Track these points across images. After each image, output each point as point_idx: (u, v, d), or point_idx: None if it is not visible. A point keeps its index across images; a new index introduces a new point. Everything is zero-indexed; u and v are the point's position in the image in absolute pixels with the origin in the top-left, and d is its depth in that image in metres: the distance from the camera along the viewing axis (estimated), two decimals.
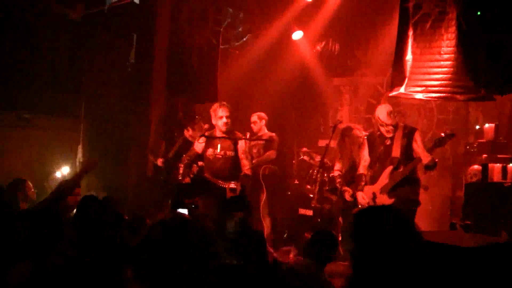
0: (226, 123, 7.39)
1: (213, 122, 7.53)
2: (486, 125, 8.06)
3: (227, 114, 7.40)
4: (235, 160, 7.43)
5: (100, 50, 9.86)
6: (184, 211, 5.88)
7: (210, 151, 7.47)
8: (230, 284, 3.42)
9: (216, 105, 7.55)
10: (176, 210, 5.84)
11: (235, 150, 7.46)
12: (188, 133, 8.04)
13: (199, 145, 7.51)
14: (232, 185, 7.27)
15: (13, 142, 9.39)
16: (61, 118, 9.67)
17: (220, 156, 7.42)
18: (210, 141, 7.51)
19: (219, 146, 7.45)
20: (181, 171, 7.65)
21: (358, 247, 2.50)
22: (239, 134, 7.59)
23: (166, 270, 2.88)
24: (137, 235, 4.10)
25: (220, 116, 7.40)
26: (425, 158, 6.35)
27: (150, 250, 2.81)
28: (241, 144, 7.51)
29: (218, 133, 7.49)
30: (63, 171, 8.63)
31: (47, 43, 9.49)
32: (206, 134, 7.47)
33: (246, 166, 7.41)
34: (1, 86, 9.08)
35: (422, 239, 2.67)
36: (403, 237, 2.49)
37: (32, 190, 7.03)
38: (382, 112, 6.73)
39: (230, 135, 7.50)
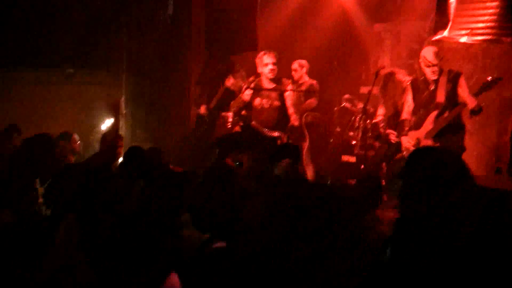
0: (272, 70, 7.35)
1: (259, 70, 7.49)
2: None
3: (273, 60, 7.36)
4: (282, 109, 7.42)
5: (139, 3, 9.87)
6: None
7: (257, 100, 7.46)
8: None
9: (261, 53, 7.50)
10: (224, 160, 5.90)
11: (282, 99, 7.45)
12: (229, 82, 8.02)
13: (246, 95, 7.51)
14: (276, 134, 7.31)
15: (59, 98, 9.60)
16: (104, 72, 9.80)
17: (268, 106, 7.43)
18: (257, 91, 7.51)
19: (266, 96, 7.45)
20: (230, 119, 7.69)
21: (410, 188, 2.45)
22: (286, 82, 7.57)
23: (216, 216, 2.96)
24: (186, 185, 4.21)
25: (265, 64, 7.36)
26: (471, 102, 6.26)
27: (201, 197, 2.89)
28: (289, 93, 7.49)
29: (265, 82, 7.46)
30: (107, 124, 8.77)
31: None
32: (252, 85, 7.45)
33: (293, 115, 7.41)
34: (45, 44, 9.23)
35: (476, 184, 2.61)
36: (458, 179, 2.42)
37: (78, 143, 7.19)
38: (428, 52, 6.62)
39: (277, 83, 7.46)
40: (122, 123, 8.86)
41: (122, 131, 8.65)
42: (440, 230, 2.34)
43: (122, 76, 9.27)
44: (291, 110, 7.43)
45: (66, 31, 9.39)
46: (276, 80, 7.48)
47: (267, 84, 7.47)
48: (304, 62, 8.90)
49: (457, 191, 2.37)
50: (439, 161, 2.44)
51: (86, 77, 9.68)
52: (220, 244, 2.81)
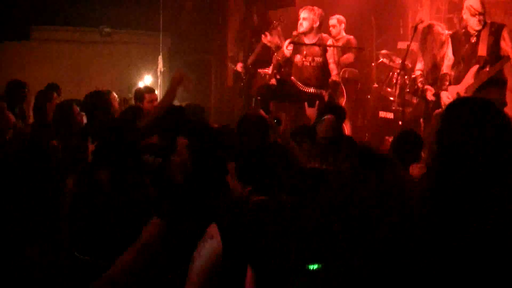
0: (301, 24, 7.37)
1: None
2: None
3: (305, 15, 7.36)
4: (324, 66, 7.38)
5: None
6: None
7: (298, 57, 7.45)
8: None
9: (301, 9, 7.52)
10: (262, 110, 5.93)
11: (323, 55, 7.41)
12: (266, 38, 7.98)
13: (287, 51, 7.49)
14: (312, 90, 7.29)
15: (97, 57, 9.70)
16: (141, 31, 9.85)
17: (308, 63, 7.41)
18: (298, 47, 7.47)
19: (307, 53, 7.43)
20: (269, 72, 7.71)
21: (448, 140, 2.35)
22: (325, 38, 7.54)
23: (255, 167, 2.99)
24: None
25: (300, 18, 7.39)
26: None
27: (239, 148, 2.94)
28: (330, 48, 7.46)
29: (305, 38, 7.43)
30: (146, 81, 8.84)
31: None
32: (292, 40, 7.43)
33: (334, 71, 7.39)
34: (82, 4, 9.28)
35: None
36: (501, 132, 2.32)
37: (117, 100, 7.26)
38: (475, 1, 6.48)
39: (318, 40, 7.43)
40: (160, 80, 8.90)
41: (161, 89, 8.69)
42: (483, 188, 2.22)
43: (159, 35, 9.28)
44: (332, 66, 7.40)
45: None
46: (316, 35, 7.43)
47: (307, 40, 7.43)
48: (342, 17, 8.84)
49: (500, 144, 2.26)
50: (481, 111, 2.32)
51: (123, 36, 9.74)
52: (259, 198, 2.85)
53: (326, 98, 7.17)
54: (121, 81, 9.33)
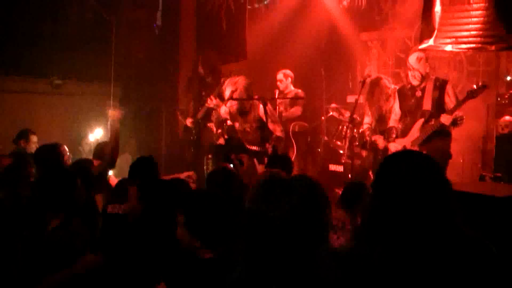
0: (238, 95, 7.37)
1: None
2: None
3: (241, 87, 7.39)
4: (263, 127, 7.41)
5: (127, 12, 9.90)
6: (230, 165, 5.99)
7: (237, 125, 7.51)
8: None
9: (230, 77, 7.59)
10: (226, 164, 5.95)
11: (260, 118, 7.41)
12: (212, 102, 7.93)
13: (223, 114, 7.58)
14: (256, 148, 7.31)
15: (48, 108, 9.57)
16: (92, 82, 9.81)
17: (249, 129, 7.45)
18: (233, 114, 7.55)
19: (244, 121, 7.48)
20: (214, 131, 7.73)
21: (382, 189, 2.44)
22: (257, 100, 7.52)
23: (212, 219, 2.95)
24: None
25: (234, 89, 7.40)
26: (446, 120, 6.29)
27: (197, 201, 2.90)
28: (261, 109, 7.40)
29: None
30: (96, 135, 8.76)
31: (75, 8, 9.56)
32: (228, 122, 7.52)
33: (275, 129, 7.42)
34: (33, 54, 9.22)
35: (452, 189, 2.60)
36: (434, 183, 2.40)
37: (68, 154, 7.15)
38: (412, 57, 6.76)
39: (249, 105, 7.46)
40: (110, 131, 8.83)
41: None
42: (411, 235, 2.33)
43: (110, 86, 9.26)
44: (271, 125, 7.42)
45: (54, 41, 9.39)
46: (247, 104, 7.49)
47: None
48: (289, 72, 8.94)
49: (430, 195, 2.35)
50: (414, 164, 2.43)
51: (73, 87, 9.67)
52: (208, 255, 2.81)
53: (269, 150, 7.19)
54: (71, 133, 9.23)
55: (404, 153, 2.72)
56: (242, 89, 7.39)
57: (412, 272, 2.32)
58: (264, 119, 7.28)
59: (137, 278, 3.00)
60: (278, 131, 7.45)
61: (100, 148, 6.16)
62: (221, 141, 7.54)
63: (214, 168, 5.41)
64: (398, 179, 2.40)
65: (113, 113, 6.09)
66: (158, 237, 3.16)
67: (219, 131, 7.56)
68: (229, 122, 7.57)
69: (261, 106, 7.37)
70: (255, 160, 6.83)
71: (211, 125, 8.20)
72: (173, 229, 2.97)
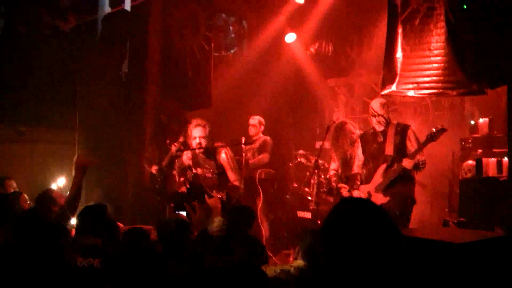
0: (199, 144, 7.40)
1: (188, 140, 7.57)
2: (480, 120, 8.00)
3: (202, 135, 7.41)
4: (223, 174, 7.39)
5: (92, 60, 9.85)
6: (183, 213, 5.92)
7: (199, 170, 7.47)
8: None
9: (192, 125, 7.52)
10: (178, 212, 5.88)
11: (221, 165, 7.44)
12: (175, 148, 7.91)
13: (185, 160, 7.56)
14: (219, 195, 7.24)
15: (11, 156, 9.40)
16: (57, 130, 9.68)
17: (210, 175, 7.40)
18: (195, 160, 7.52)
19: (204, 167, 7.46)
20: (176, 180, 7.64)
21: (327, 240, 2.41)
22: (218, 147, 7.54)
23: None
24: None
25: (194, 137, 7.42)
26: (407, 164, 6.29)
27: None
28: (223, 156, 7.44)
29: (199, 154, 7.52)
30: (59, 183, 8.61)
31: (39, 55, 9.50)
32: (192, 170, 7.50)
33: (232, 177, 7.37)
34: None
35: (401, 236, 2.56)
36: (378, 230, 2.39)
37: (28, 202, 7.01)
38: (376, 102, 6.79)
39: (210, 152, 7.49)
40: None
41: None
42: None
43: (75, 134, 9.16)
44: (229, 171, 7.42)
45: (18, 89, 9.30)
46: (208, 148, 7.52)
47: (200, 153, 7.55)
48: (262, 119, 8.96)
49: (374, 244, 2.32)
50: (357, 213, 2.40)
51: (38, 135, 9.54)
52: None
53: (224, 197, 7.12)
54: (35, 180, 9.06)
55: (351, 200, 2.70)
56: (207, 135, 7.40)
57: None
58: (225, 166, 7.27)
59: None
60: (234, 179, 7.38)
61: (43, 197, 6.00)
62: (183, 189, 7.45)
63: (165, 218, 5.33)
64: (341, 225, 2.38)
65: (79, 160, 5.97)
66: None
67: (181, 179, 7.48)
68: (193, 171, 7.51)
69: (223, 153, 7.36)
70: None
71: (175, 173, 8.12)
72: None
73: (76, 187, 5.95)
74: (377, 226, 2.38)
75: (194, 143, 7.40)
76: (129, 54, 10.40)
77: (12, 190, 7.08)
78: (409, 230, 5.16)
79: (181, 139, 7.69)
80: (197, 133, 7.39)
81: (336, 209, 2.52)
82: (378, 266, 2.31)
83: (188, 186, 7.37)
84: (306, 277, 2.57)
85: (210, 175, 7.36)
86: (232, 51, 10.80)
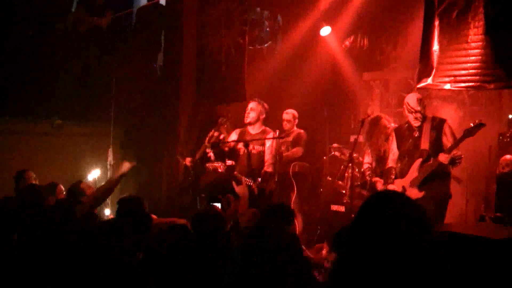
0: (247, 114, 7.71)
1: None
2: None
3: (252, 106, 7.75)
4: (263, 157, 7.48)
5: (128, 55, 9.96)
6: (218, 205, 5.92)
7: (240, 145, 7.68)
8: None
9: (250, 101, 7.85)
10: (212, 204, 5.89)
11: (264, 146, 7.65)
12: (213, 135, 8.01)
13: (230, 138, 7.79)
14: (248, 182, 7.28)
15: (48, 149, 9.55)
16: (93, 124, 9.82)
17: (253, 151, 7.55)
18: (242, 136, 7.70)
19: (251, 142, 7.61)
20: (218, 166, 7.71)
21: (359, 234, 2.37)
22: (268, 131, 7.73)
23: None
24: None
25: (246, 110, 7.73)
26: (443, 159, 6.20)
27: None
28: (269, 141, 7.58)
29: (251, 128, 7.69)
30: (94, 175, 8.72)
31: (76, 51, 9.64)
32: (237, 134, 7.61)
33: (268, 162, 7.46)
34: (34, 96, 9.26)
35: (434, 234, 2.51)
36: (412, 225, 2.33)
37: (64, 193, 7.11)
38: (412, 98, 6.67)
39: (261, 132, 7.73)
40: (109, 173, 8.79)
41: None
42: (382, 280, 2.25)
43: (110, 127, 9.27)
44: (268, 157, 7.54)
45: (55, 83, 9.45)
46: (260, 128, 7.76)
47: (252, 131, 7.69)
48: (296, 113, 8.93)
49: (409, 241, 2.27)
50: (393, 208, 2.35)
51: (74, 129, 9.67)
52: None
53: (255, 191, 7.16)
54: (70, 173, 9.18)
55: (385, 194, 2.67)
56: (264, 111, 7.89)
57: None
58: (265, 147, 7.50)
59: None
60: (268, 165, 7.58)
61: (74, 187, 6.07)
62: (219, 172, 7.53)
63: (200, 210, 5.33)
64: (374, 220, 2.32)
65: (125, 165, 5.99)
66: None
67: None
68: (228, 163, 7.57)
69: (269, 134, 7.64)
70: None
71: (211, 165, 8.14)
72: None
73: (110, 185, 5.99)
74: (411, 220, 2.34)
75: (249, 115, 7.73)
76: (164, 48, 10.47)
77: (32, 181, 7.18)
78: (446, 225, 5.09)
79: (218, 127, 7.79)
80: (253, 105, 7.79)
81: (370, 202, 2.48)
82: (410, 262, 2.27)
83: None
84: (339, 271, 2.51)
85: (253, 151, 7.54)
86: (266, 45, 10.78)
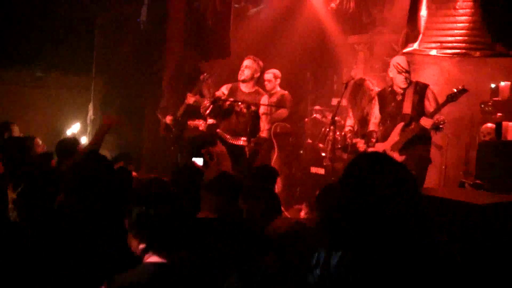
0: (241, 71, 7.45)
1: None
2: (502, 83, 7.87)
3: (247, 64, 7.47)
4: (256, 117, 7.37)
5: (111, 7, 9.79)
6: (200, 160, 5.88)
7: (236, 107, 7.44)
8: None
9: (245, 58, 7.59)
10: (194, 160, 5.85)
11: (256, 112, 7.41)
12: (191, 99, 7.90)
13: (220, 92, 7.54)
14: (241, 142, 7.25)
15: (28, 100, 9.46)
16: (74, 75, 9.70)
17: (245, 110, 7.37)
18: (234, 93, 7.48)
19: (242, 99, 7.43)
20: (199, 123, 7.66)
21: (348, 190, 2.37)
22: (262, 92, 7.59)
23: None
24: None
25: (241, 66, 7.48)
26: (426, 123, 6.23)
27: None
28: (263, 100, 7.47)
29: (244, 86, 7.49)
30: (74, 129, 8.64)
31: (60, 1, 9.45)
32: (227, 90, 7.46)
33: (263, 128, 7.38)
34: (15, 46, 9.10)
35: (420, 193, 2.52)
36: (399, 185, 2.33)
37: (42, 147, 7.03)
38: (402, 58, 6.67)
39: (255, 92, 7.51)
40: (89, 128, 8.73)
41: (90, 136, 8.50)
42: (373, 240, 2.26)
43: (91, 81, 9.16)
44: (263, 122, 7.42)
45: (36, 33, 9.27)
46: (254, 87, 7.54)
47: (245, 89, 7.50)
48: (277, 72, 8.85)
49: (394, 202, 2.27)
50: (378, 168, 2.35)
51: (55, 79, 9.55)
52: (152, 260, 2.69)
53: (247, 154, 7.12)
54: (51, 125, 9.10)
55: (372, 155, 2.68)
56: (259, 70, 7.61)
57: (370, 279, 2.23)
58: (262, 112, 7.34)
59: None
60: (264, 130, 7.43)
61: (64, 145, 5.93)
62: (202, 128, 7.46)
63: (179, 167, 5.27)
64: (363, 180, 2.33)
65: (107, 121, 5.89)
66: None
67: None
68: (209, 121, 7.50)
69: (264, 98, 7.43)
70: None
71: (192, 123, 8.10)
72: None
73: (95, 142, 5.87)
74: (398, 180, 2.34)
75: (244, 72, 7.45)
76: (150, 2, 10.30)
77: (16, 135, 7.10)
78: (425, 189, 5.13)
79: (198, 88, 7.68)
80: (249, 63, 7.50)
81: (355, 162, 2.48)
82: (399, 221, 2.28)
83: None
84: (323, 229, 2.52)
85: (245, 110, 7.35)
86: (252, 3, 10.65)
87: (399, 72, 6.57)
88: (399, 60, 6.65)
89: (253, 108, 7.26)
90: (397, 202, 2.25)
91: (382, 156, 2.50)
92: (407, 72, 6.53)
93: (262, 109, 7.38)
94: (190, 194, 4.20)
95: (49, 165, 5.25)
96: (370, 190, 2.28)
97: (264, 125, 7.43)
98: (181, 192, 4.43)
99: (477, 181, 6.29)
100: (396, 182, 2.30)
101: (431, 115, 6.22)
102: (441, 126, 6.21)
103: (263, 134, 7.43)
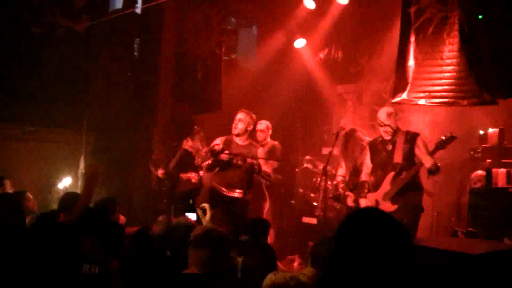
0: (235, 125, 7.49)
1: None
2: (490, 130, 7.96)
3: (241, 117, 7.53)
4: (251, 168, 7.34)
5: (103, 62, 9.87)
6: (193, 215, 5.86)
7: (224, 156, 7.43)
8: None
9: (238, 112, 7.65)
10: (186, 215, 5.83)
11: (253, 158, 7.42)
12: (187, 143, 7.94)
13: (217, 147, 7.46)
14: (236, 194, 7.26)
15: (18, 155, 9.41)
16: (65, 130, 9.69)
17: (241, 163, 7.38)
18: (229, 147, 7.48)
19: (236, 152, 7.44)
20: (192, 176, 7.66)
21: (340, 250, 2.40)
22: (256, 145, 7.68)
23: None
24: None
25: (234, 120, 7.52)
26: (427, 162, 6.26)
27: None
28: (260, 153, 7.56)
29: (238, 140, 7.53)
30: (65, 183, 8.62)
31: (52, 55, 9.51)
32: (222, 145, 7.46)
33: (269, 169, 7.53)
34: (6, 100, 9.11)
35: (416, 249, 2.55)
36: (393, 240, 2.37)
37: (32, 201, 7.00)
38: (382, 112, 6.76)
39: (248, 144, 7.57)
40: (80, 182, 8.70)
41: (81, 190, 8.45)
42: None
43: (82, 135, 9.17)
44: (265, 167, 7.47)
45: (28, 88, 9.30)
46: (247, 140, 7.61)
47: (239, 142, 7.54)
48: (269, 124, 8.92)
49: (389, 254, 2.30)
50: (371, 224, 2.39)
51: (46, 135, 9.54)
52: None
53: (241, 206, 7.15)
54: (42, 180, 9.06)
55: (367, 210, 2.71)
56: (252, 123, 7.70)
57: None
58: (261, 163, 7.35)
59: None
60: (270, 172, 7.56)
61: (67, 199, 5.93)
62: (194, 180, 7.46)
63: (172, 224, 5.21)
64: (357, 236, 2.38)
65: (89, 169, 5.89)
66: None
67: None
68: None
69: (260, 150, 7.51)
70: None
71: (185, 175, 8.11)
72: None
73: (85, 196, 5.82)
74: (391, 235, 2.37)
75: (238, 126, 7.50)
76: (139, 56, 10.40)
77: (9, 190, 7.08)
78: (419, 239, 5.12)
79: (193, 136, 7.71)
80: (242, 116, 7.54)
81: (350, 218, 2.52)
82: (393, 275, 2.29)
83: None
84: (319, 285, 2.53)
85: (241, 163, 7.33)
86: (241, 55, 10.79)
87: (379, 125, 6.72)
88: (379, 114, 6.80)
89: (249, 161, 7.27)
90: (392, 260, 2.28)
91: (376, 214, 2.53)
92: (386, 125, 6.64)
93: (261, 161, 7.41)
94: (181, 251, 4.17)
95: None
96: (365, 250, 2.31)
97: (268, 168, 7.52)
98: (173, 248, 4.41)
99: (470, 229, 6.31)
100: (391, 241, 2.33)
101: (431, 155, 6.26)
102: (439, 164, 6.25)
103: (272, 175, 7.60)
